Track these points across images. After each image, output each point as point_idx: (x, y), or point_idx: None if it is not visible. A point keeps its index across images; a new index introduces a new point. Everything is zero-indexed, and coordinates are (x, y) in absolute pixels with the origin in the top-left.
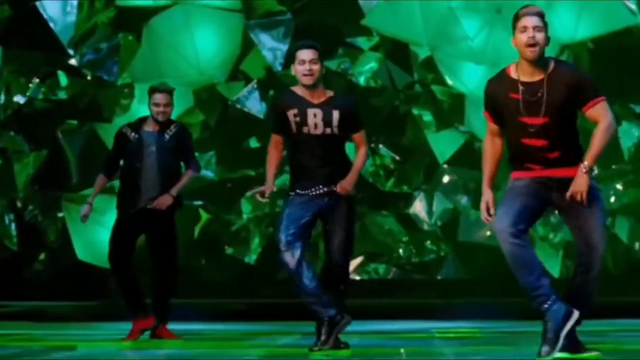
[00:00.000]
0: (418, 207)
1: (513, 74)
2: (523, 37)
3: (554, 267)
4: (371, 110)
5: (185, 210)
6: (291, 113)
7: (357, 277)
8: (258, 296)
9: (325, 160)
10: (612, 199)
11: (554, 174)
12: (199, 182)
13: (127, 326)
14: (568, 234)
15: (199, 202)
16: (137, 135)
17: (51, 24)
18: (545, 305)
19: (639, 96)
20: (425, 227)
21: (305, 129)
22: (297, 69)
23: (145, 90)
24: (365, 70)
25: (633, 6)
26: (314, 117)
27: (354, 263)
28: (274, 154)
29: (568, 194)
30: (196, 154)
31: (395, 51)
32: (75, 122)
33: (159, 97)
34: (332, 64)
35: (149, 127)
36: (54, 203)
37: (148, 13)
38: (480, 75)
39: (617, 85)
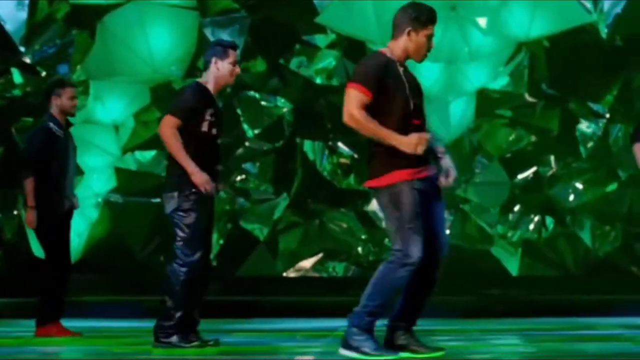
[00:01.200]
0: (376, 205)
1: (391, 56)
2: (430, 44)
3: (513, 266)
4: (329, 107)
5: (144, 207)
6: (209, 112)
7: (316, 275)
8: (210, 293)
9: (218, 160)
10: (572, 197)
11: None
12: (156, 179)
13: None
14: (526, 232)
15: (156, 200)
16: (62, 132)
17: (2, 22)
18: (371, 324)
19: (595, 94)
20: (384, 224)
21: (214, 131)
22: (229, 69)
23: (100, 87)
24: (323, 67)
25: (588, 4)
26: (218, 117)
27: (312, 260)
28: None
29: (450, 179)
30: (154, 151)
31: (352, 49)
32: (30, 119)
33: (74, 91)
34: (291, 63)
35: (60, 126)
36: (10, 200)
37: (102, 10)
38: (437, 73)
39: (574, 83)
